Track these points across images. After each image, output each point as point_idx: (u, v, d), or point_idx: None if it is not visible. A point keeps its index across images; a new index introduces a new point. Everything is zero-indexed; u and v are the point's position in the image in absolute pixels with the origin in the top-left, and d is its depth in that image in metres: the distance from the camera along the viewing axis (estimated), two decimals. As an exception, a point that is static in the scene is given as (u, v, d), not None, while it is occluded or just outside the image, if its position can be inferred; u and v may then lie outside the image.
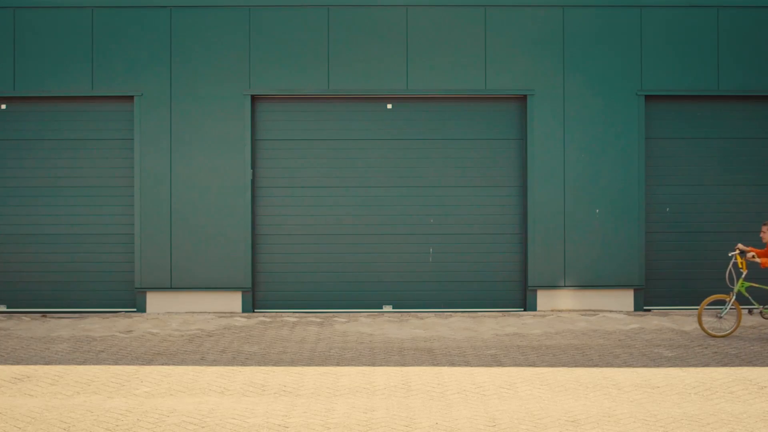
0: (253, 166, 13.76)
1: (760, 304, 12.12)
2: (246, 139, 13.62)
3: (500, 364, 9.81)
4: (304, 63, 13.64)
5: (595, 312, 13.61)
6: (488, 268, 13.67)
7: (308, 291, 13.80)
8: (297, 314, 13.54)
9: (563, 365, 9.78)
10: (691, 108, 13.88)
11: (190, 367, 9.69)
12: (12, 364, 9.90)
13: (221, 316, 13.29)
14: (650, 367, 9.68)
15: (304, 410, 7.86)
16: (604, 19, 13.69)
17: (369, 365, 9.79)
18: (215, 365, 9.81)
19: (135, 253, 13.58)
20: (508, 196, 13.86)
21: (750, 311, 11.58)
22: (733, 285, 11.99)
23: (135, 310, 13.70)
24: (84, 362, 9.98)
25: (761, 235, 11.58)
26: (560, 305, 13.67)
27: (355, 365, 9.79)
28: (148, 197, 13.59)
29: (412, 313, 13.58)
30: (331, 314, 13.53)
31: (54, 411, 7.86)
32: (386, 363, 9.91)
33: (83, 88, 13.64)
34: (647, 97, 13.71)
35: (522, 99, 13.79)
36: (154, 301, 13.63)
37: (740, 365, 9.74)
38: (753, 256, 11.39)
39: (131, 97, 13.68)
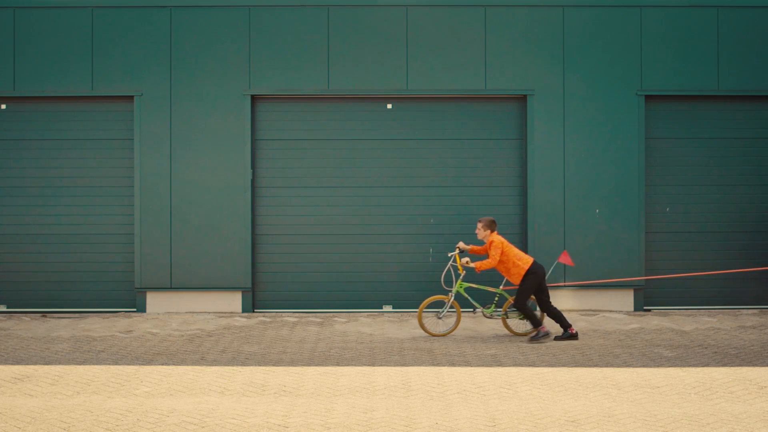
0: (253, 166, 13.76)
1: (480, 305, 12.14)
2: (246, 139, 13.62)
3: (500, 364, 9.81)
4: (304, 63, 13.65)
5: (595, 312, 13.61)
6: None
7: (308, 291, 13.81)
8: (297, 314, 13.54)
9: (563, 365, 9.78)
10: (691, 108, 13.88)
11: (190, 367, 9.69)
12: (12, 364, 9.91)
13: (221, 316, 13.29)
14: (650, 367, 9.68)
15: (304, 410, 7.86)
16: (604, 19, 13.69)
17: (369, 365, 9.79)
18: (215, 365, 9.81)
19: (135, 253, 13.58)
20: (508, 196, 13.86)
21: (474, 311, 11.67)
22: (450, 285, 12.20)
23: (135, 310, 13.70)
24: (84, 362, 9.98)
25: (476, 232, 11.54)
26: (560, 305, 13.67)
27: (355, 365, 9.79)
28: (148, 197, 13.59)
29: (412, 313, 13.58)
30: (331, 314, 13.53)
31: (54, 411, 7.86)
32: (386, 363, 9.91)
33: (83, 88, 13.64)
34: (647, 97, 13.71)
35: (522, 99, 13.79)
36: (154, 301, 13.64)
37: (740, 365, 9.75)
38: (467, 262, 11.37)
39: (131, 97, 13.68)
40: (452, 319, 12.16)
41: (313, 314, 13.54)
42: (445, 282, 12.33)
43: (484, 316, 11.66)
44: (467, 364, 9.84)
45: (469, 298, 11.79)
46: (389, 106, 13.90)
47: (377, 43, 13.67)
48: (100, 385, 8.86)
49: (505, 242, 11.33)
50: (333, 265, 13.78)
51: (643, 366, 9.72)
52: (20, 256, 13.80)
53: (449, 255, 12.01)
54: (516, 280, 11.28)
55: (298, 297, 13.79)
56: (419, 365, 9.78)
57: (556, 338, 11.25)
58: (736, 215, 13.93)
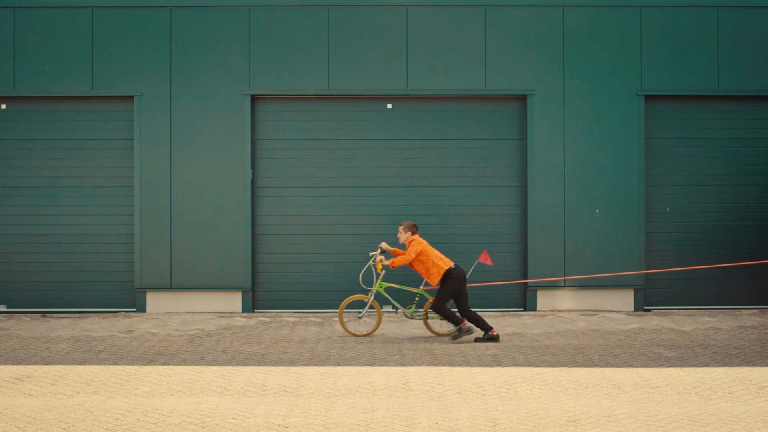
0: (253, 166, 13.76)
1: (401, 305, 12.15)
2: (246, 139, 13.62)
3: (500, 364, 9.81)
4: (304, 63, 13.64)
5: (595, 312, 13.61)
6: (488, 268, 13.64)
7: (308, 291, 13.80)
8: (297, 314, 13.54)
9: (563, 365, 9.78)
10: (691, 108, 13.88)
11: (190, 367, 9.69)
12: (12, 364, 9.91)
13: (221, 316, 13.29)
14: (650, 367, 9.68)
15: (304, 410, 7.86)
16: (604, 19, 13.69)
17: (369, 365, 9.79)
18: (215, 365, 9.81)
19: (135, 253, 13.58)
20: (508, 196, 13.86)
21: (396, 311, 11.71)
22: (369, 285, 12.26)
23: (135, 310, 13.70)
24: (84, 362, 9.98)
25: (398, 236, 11.59)
26: (560, 305, 13.67)
27: (355, 365, 9.79)
28: (148, 197, 13.59)
29: (412, 313, 13.57)
30: (331, 314, 13.53)
31: (54, 411, 7.86)
32: (386, 363, 9.91)
33: (83, 88, 13.64)
34: (647, 97, 13.71)
35: (522, 99, 13.79)
36: (154, 301, 13.63)
37: (740, 365, 9.75)
38: (382, 260, 11.41)
39: (131, 97, 13.68)
40: (374, 319, 12.13)
41: (313, 314, 13.54)
42: (366, 282, 12.34)
43: (405, 316, 11.72)
44: (467, 364, 9.84)
45: (389, 298, 11.87)
46: (389, 106, 13.90)
47: (377, 43, 13.67)
48: (100, 385, 8.86)
49: (426, 243, 11.40)
50: (333, 265, 13.78)
51: (643, 366, 9.72)
52: (20, 256, 13.80)
53: (370, 254, 12.07)
54: (434, 280, 11.28)
55: (298, 297, 13.79)
56: (419, 365, 9.78)
57: (477, 339, 11.22)
58: (736, 215, 13.92)
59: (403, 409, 7.88)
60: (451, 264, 11.32)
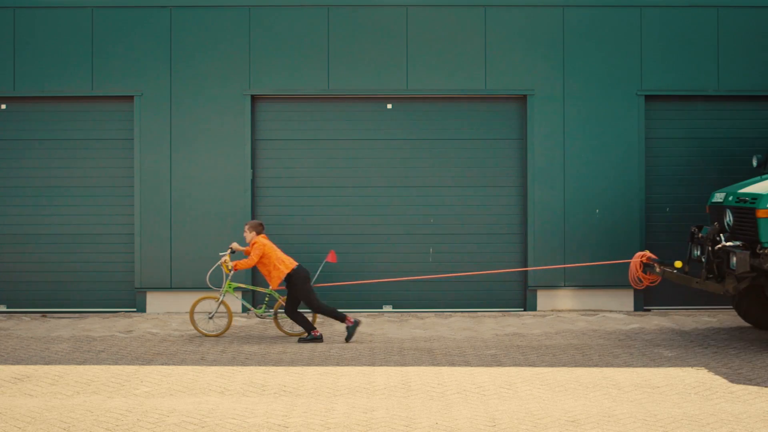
0: (253, 166, 13.76)
1: (252, 305, 12.15)
2: (246, 139, 13.62)
3: (500, 364, 9.81)
4: (304, 63, 13.64)
5: (595, 312, 13.61)
6: (488, 268, 13.65)
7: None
8: (297, 314, 13.53)
9: (563, 365, 9.78)
10: (691, 108, 13.88)
11: (190, 367, 9.69)
12: (12, 364, 9.91)
13: (221, 316, 13.28)
14: (650, 367, 9.68)
15: (304, 410, 7.86)
16: (604, 19, 13.69)
17: (369, 365, 9.79)
18: (215, 365, 9.81)
19: (135, 253, 13.58)
20: (508, 196, 13.86)
21: (248, 311, 11.76)
22: (216, 285, 12.33)
23: (135, 310, 13.70)
24: (84, 362, 9.98)
25: (244, 235, 11.58)
26: (560, 305, 13.68)
27: (355, 365, 9.79)
28: (148, 197, 13.59)
29: (412, 313, 13.58)
30: (331, 314, 13.52)
31: (54, 411, 7.86)
32: (386, 363, 9.91)
33: (83, 88, 13.65)
34: (647, 97, 13.71)
35: (522, 99, 13.79)
36: (154, 301, 13.63)
37: (741, 365, 9.75)
38: (226, 261, 11.41)
39: (131, 97, 13.68)
40: (225, 320, 12.13)
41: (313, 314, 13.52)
42: (214, 282, 12.41)
43: (257, 316, 11.76)
44: (467, 364, 9.84)
45: (238, 298, 11.88)
46: (389, 106, 13.90)
47: (377, 43, 13.67)
48: (100, 385, 8.86)
49: (269, 245, 11.36)
50: (333, 265, 13.76)
51: (643, 366, 9.72)
52: (20, 256, 13.80)
53: (220, 255, 12.08)
54: (275, 283, 11.29)
55: (298, 297, 13.78)
56: (419, 365, 9.78)
57: (300, 340, 11.20)
58: (736, 215, 13.92)
59: (403, 409, 7.88)
60: (294, 265, 11.31)
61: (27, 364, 9.91)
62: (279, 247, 11.57)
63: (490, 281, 13.77)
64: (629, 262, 11.84)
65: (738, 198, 10.93)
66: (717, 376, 9.20)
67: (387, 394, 8.43)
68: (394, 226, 13.84)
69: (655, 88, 13.67)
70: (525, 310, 13.73)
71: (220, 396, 8.41)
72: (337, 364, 9.83)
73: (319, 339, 11.22)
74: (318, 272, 12.36)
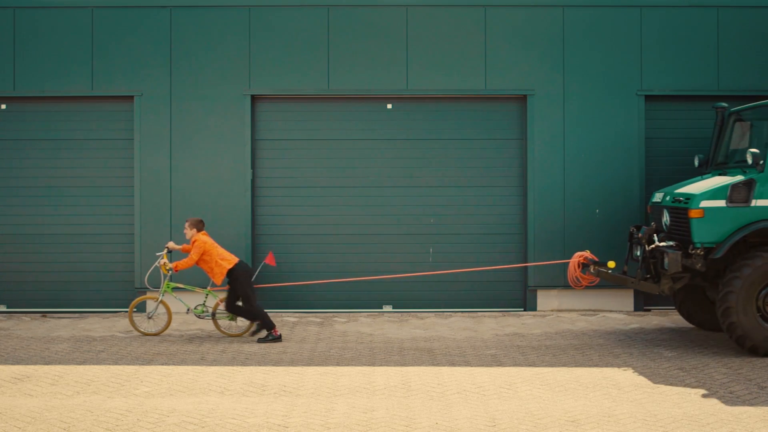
0: (253, 166, 13.76)
1: (190, 305, 12.18)
2: (246, 139, 13.62)
3: (500, 364, 9.81)
4: (304, 63, 13.64)
5: (595, 312, 13.61)
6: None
7: (308, 291, 13.79)
8: (297, 314, 13.54)
9: (563, 365, 9.78)
10: (691, 108, 13.87)
11: (190, 367, 9.69)
12: (12, 364, 9.91)
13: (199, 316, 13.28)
14: (650, 367, 9.68)
15: (304, 410, 7.86)
16: (604, 19, 13.69)
17: (369, 365, 9.79)
18: (215, 365, 9.81)
19: (135, 253, 13.57)
20: (508, 196, 13.86)
21: (188, 310, 11.77)
22: (153, 286, 12.34)
23: (135, 310, 13.68)
24: (84, 362, 9.98)
25: (184, 231, 11.57)
26: (560, 305, 13.67)
27: (355, 365, 9.79)
28: (148, 197, 13.59)
29: (412, 313, 13.58)
30: (331, 314, 13.53)
31: (54, 411, 7.86)
32: (386, 363, 9.91)
33: (83, 88, 13.64)
34: (647, 97, 13.71)
35: (522, 99, 13.79)
36: (154, 301, 13.61)
37: (740, 365, 9.75)
38: (165, 263, 11.44)
39: (131, 97, 13.67)
40: (164, 319, 12.14)
41: (313, 314, 13.54)
42: (152, 282, 12.39)
43: (196, 316, 11.76)
44: (467, 364, 9.84)
45: (177, 297, 11.90)
46: (389, 106, 13.90)
47: (377, 43, 13.67)
48: (100, 385, 8.86)
49: (210, 242, 11.35)
50: (333, 265, 13.77)
51: (643, 366, 9.73)
52: (20, 256, 13.80)
53: (157, 255, 12.07)
54: (218, 280, 11.29)
55: (298, 297, 13.79)
56: (419, 365, 9.78)
57: (260, 340, 11.20)
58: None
59: (403, 409, 7.88)
60: (235, 261, 11.32)
61: (27, 364, 9.91)
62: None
63: (490, 281, 13.77)
64: (569, 263, 11.77)
65: (674, 198, 11.00)
66: (717, 376, 9.20)
67: (387, 394, 8.43)
68: (394, 226, 13.84)
69: (655, 88, 13.67)
70: (525, 310, 13.73)
71: (220, 396, 8.41)
72: (337, 364, 9.83)
73: (278, 338, 11.23)
74: (257, 272, 12.35)
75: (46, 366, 9.76)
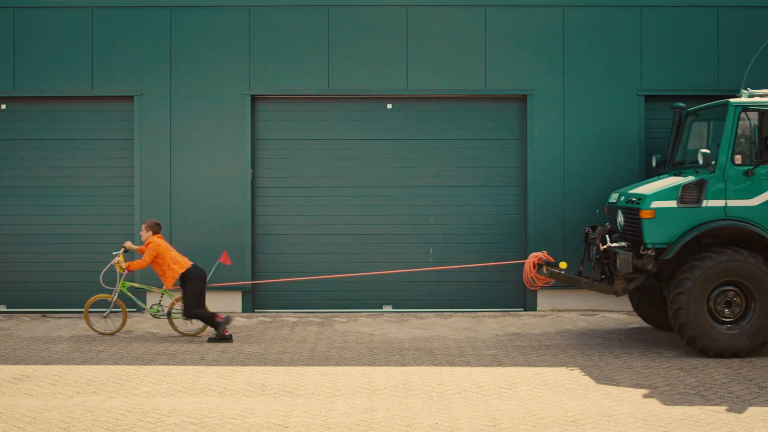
0: (253, 166, 13.76)
1: (146, 304, 12.15)
2: (246, 139, 13.62)
3: (500, 364, 9.81)
4: (304, 63, 13.64)
5: (595, 312, 13.61)
6: (488, 268, 13.64)
7: (308, 291, 13.80)
8: (297, 314, 13.54)
9: (563, 365, 9.78)
10: (691, 108, 13.85)
11: (190, 367, 9.69)
12: (12, 364, 9.91)
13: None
14: (650, 367, 9.68)
15: (304, 410, 7.86)
16: (604, 19, 13.69)
17: (369, 365, 9.79)
18: (215, 365, 9.81)
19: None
20: (508, 196, 13.86)
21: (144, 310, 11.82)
22: (109, 285, 12.32)
23: (135, 310, 13.69)
24: (84, 362, 9.99)
25: (141, 233, 11.61)
26: (560, 305, 13.67)
27: (355, 365, 9.79)
28: (147, 197, 13.59)
29: (412, 313, 13.59)
30: (331, 314, 13.53)
31: (54, 411, 7.86)
32: (386, 363, 9.91)
33: (83, 88, 13.64)
34: (647, 97, 13.71)
35: (522, 99, 13.79)
36: (154, 300, 13.61)
37: (741, 365, 9.75)
38: (119, 262, 11.49)
39: (131, 97, 13.68)
40: (119, 319, 12.14)
41: (313, 314, 13.54)
42: (108, 281, 12.40)
43: (152, 316, 11.80)
44: (467, 364, 9.84)
45: (132, 297, 11.98)
46: (389, 106, 13.90)
47: (377, 43, 13.67)
48: (100, 385, 8.86)
49: (164, 245, 11.41)
50: (333, 265, 13.77)
51: (644, 366, 9.73)
52: (20, 256, 13.79)
53: (113, 254, 12.09)
54: (169, 283, 11.36)
55: (298, 297, 13.79)
56: (419, 365, 9.78)
57: (210, 339, 11.20)
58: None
59: (403, 409, 7.88)
60: (188, 265, 11.36)
61: (27, 364, 9.91)
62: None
63: (490, 281, 13.77)
64: (524, 263, 11.68)
65: (628, 198, 11.00)
66: (717, 376, 9.20)
67: (387, 394, 8.43)
68: (394, 226, 13.83)
69: (655, 88, 13.67)
70: (525, 310, 13.73)
71: (220, 396, 8.41)
72: (337, 364, 9.83)
73: (228, 339, 11.25)
74: (211, 273, 12.36)
75: (46, 366, 9.76)
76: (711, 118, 11.12)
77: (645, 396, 8.38)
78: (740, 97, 10.75)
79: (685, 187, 10.32)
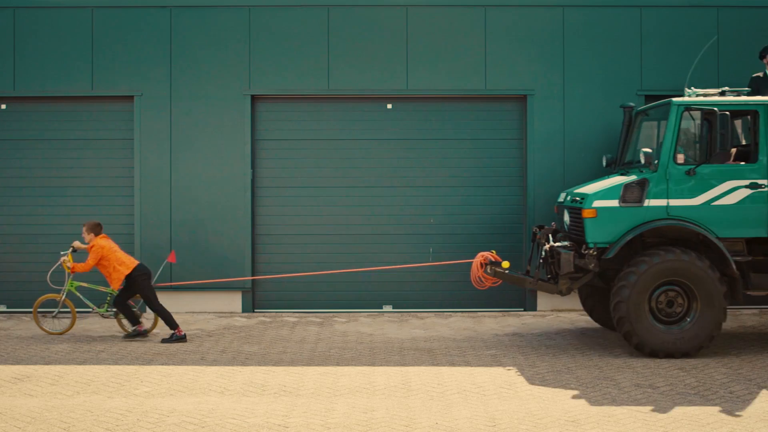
0: (253, 166, 13.76)
1: (95, 305, 12.17)
2: (246, 139, 13.62)
3: (500, 364, 9.81)
4: (304, 63, 13.64)
5: (595, 312, 13.60)
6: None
7: (308, 291, 13.80)
8: (297, 314, 13.54)
9: (563, 365, 9.78)
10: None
11: (190, 367, 9.69)
12: (12, 364, 9.91)
13: (221, 316, 13.29)
14: (650, 366, 9.68)
15: (304, 410, 7.86)
16: (604, 19, 13.69)
17: (369, 365, 9.79)
18: (215, 365, 9.81)
19: (135, 253, 13.56)
20: (508, 196, 13.85)
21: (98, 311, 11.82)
22: (57, 285, 12.30)
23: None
24: (84, 362, 9.99)
25: (83, 235, 11.60)
26: (560, 305, 13.67)
27: (355, 365, 9.79)
28: (148, 197, 13.59)
29: (412, 313, 13.58)
30: (331, 314, 13.53)
31: (54, 411, 7.86)
32: (386, 363, 9.91)
33: (83, 88, 13.64)
34: (647, 97, 13.70)
35: (522, 99, 13.79)
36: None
37: (740, 365, 9.75)
38: (65, 262, 11.50)
39: (131, 97, 13.67)
40: (69, 318, 12.17)
41: (313, 314, 13.54)
42: (56, 281, 12.40)
43: (101, 315, 11.83)
44: (467, 364, 9.84)
45: (81, 297, 11.98)
46: (389, 106, 13.90)
47: (377, 43, 13.67)
48: (100, 385, 8.86)
49: (108, 247, 11.38)
50: (333, 265, 13.77)
51: (643, 366, 9.73)
52: (20, 256, 13.79)
53: (61, 253, 12.08)
54: (115, 285, 11.40)
55: (298, 297, 13.79)
56: (419, 365, 9.78)
57: (164, 340, 11.21)
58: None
59: (403, 409, 7.88)
60: (134, 265, 11.38)
61: (27, 364, 9.91)
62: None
63: (490, 281, 13.76)
64: (471, 262, 11.62)
65: (573, 198, 10.98)
66: (717, 376, 9.20)
67: (387, 394, 8.43)
68: (394, 225, 13.83)
69: (655, 88, 13.66)
70: (525, 310, 13.73)
71: (220, 396, 8.42)
72: (337, 364, 9.83)
73: (143, 334, 11.31)
74: (158, 272, 12.35)
75: (46, 366, 9.76)
76: (660, 118, 11.06)
77: (645, 396, 8.38)
78: (684, 96, 10.74)
79: (627, 186, 10.29)
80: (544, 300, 13.68)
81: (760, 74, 11.85)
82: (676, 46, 13.67)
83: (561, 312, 13.58)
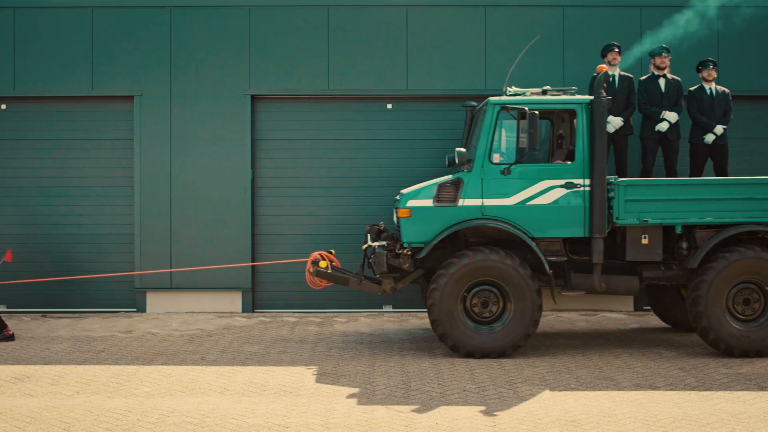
0: (253, 166, 13.76)
1: None
2: (246, 139, 13.62)
3: (501, 365, 9.81)
4: (304, 63, 13.64)
5: (595, 312, 13.61)
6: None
7: (308, 291, 13.74)
8: (297, 314, 13.54)
9: (563, 365, 9.78)
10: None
11: (190, 367, 9.69)
12: (12, 364, 9.91)
13: (221, 316, 13.29)
14: (650, 367, 9.68)
15: (304, 410, 7.86)
16: (604, 18, 13.69)
17: (369, 365, 9.79)
18: (215, 365, 9.81)
19: (135, 253, 13.57)
20: (508, 196, 13.83)
21: None
22: None
23: (135, 310, 13.70)
24: (84, 362, 9.99)
25: None
26: (559, 305, 13.66)
27: (355, 365, 9.79)
28: (148, 197, 13.58)
29: (412, 313, 13.58)
30: (331, 314, 13.53)
31: (54, 411, 7.86)
32: (386, 363, 9.91)
33: (83, 88, 13.65)
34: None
35: (522, 99, 13.77)
36: (154, 301, 13.63)
37: (740, 364, 9.75)
38: None
39: (131, 97, 13.67)
40: None
41: (313, 314, 13.54)
42: None
43: None
44: (468, 364, 9.84)
45: None
46: (389, 106, 13.90)
47: (377, 43, 13.67)
48: (100, 385, 8.86)
49: None
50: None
51: (643, 366, 9.73)
52: (20, 256, 13.77)
53: None
54: None
55: (298, 297, 13.78)
56: (419, 365, 9.78)
57: None
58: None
59: (403, 409, 7.88)
60: None
61: (27, 364, 9.91)
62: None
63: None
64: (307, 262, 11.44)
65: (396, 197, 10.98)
66: (717, 376, 9.20)
67: (387, 394, 8.44)
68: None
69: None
70: (525, 310, 13.70)
71: (220, 396, 8.42)
72: (337, 364, 9.83)
73: (11, 338, 11.27)
74: None
75: (46, 366, 9.77)
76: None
77: (645, 396, 8.39)
78: (503, 95, 10.67)
79: (441, 186, 10.25)
80: (543, 300, 13.65)
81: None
82: (676, 46, 13.64)
83: (561, 312, 13.59)
